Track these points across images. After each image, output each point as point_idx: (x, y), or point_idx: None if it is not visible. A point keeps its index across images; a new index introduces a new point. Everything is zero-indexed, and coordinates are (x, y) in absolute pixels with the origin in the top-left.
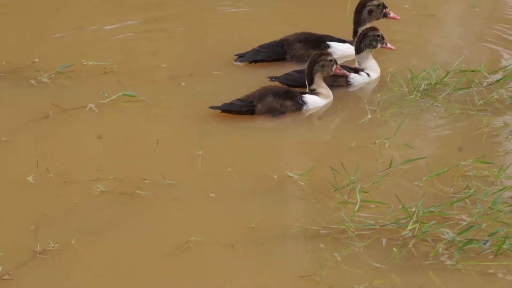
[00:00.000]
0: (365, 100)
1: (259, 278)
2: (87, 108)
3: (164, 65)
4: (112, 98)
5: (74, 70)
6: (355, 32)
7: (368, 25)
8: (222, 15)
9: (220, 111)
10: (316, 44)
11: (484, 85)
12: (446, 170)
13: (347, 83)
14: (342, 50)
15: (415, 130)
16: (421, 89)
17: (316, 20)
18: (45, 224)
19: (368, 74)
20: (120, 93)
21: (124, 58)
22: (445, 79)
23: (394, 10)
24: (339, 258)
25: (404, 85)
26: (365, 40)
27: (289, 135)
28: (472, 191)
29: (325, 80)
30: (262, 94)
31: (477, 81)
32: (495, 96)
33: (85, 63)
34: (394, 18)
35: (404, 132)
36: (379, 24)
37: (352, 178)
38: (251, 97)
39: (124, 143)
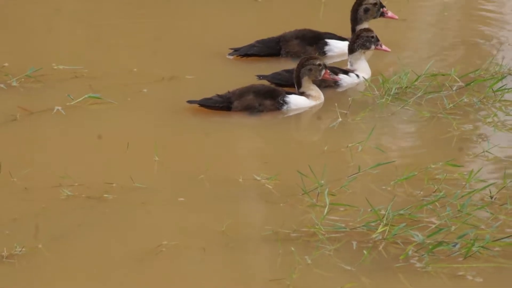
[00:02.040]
0: (336, 104)
1: (230, 282)
2: (54, 111)
3: (135, 69)
4: (78, 100)
5: (45, 74)
6: (353, 30)
7: (365, 24)
8: (199, 18)
9: (198, 105)
10: (314, 41)
11: (454, 88)
12: (414, 173)
13: (336, 84)
14: (340, 48)
15: (386, 134)
16: (392, 93)
17: (289, 23)
18: (12, 228)
19: (357, 75)
20: (86, 95)
21: (95, 62)
22: (416, 83)
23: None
24: (309, 261)
25: (375, 89)
26: (358, 41)
27: (261, 137)
28: (441, 194)
29: (314, 81)
30: (243, 91)
31: (447, 85)
32: (465, 100)
33: (55, 67)
34: (392, 18)
35: (375, 136)
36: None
37: (321, 181)
38: (231, 93)
39: (91, 146)
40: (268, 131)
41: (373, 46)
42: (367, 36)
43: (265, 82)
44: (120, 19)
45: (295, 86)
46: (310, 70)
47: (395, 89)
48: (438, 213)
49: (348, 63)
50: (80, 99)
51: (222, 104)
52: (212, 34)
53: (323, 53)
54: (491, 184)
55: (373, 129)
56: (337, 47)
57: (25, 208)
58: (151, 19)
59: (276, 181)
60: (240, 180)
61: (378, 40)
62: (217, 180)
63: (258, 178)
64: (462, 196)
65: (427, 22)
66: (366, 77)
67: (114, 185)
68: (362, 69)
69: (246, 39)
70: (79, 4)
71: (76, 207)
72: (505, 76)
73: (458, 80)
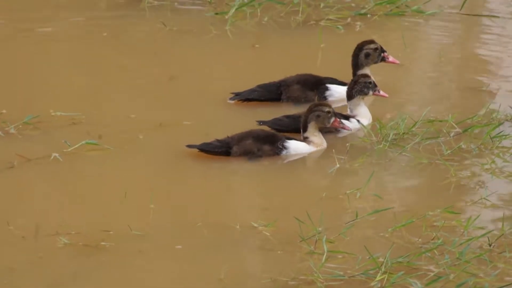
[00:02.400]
0: (333, 150)
1: None
2: (51, 158)
3: (133, 116)
4: (74, 147)
5: (42, 121)
6: (354, 75)
7: (367, 69)
8: (196, 64)
9: (197, 150)
10: (315, 86)
11: (451, 135)
12: (412, 220)
13: (337, 130)
14: (340, 93)
15: (384, 180)
16: (389, 138)
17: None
18: (10, 278)
19: (358, 121)
20: (83, 142)
21: (93, 108)
22: (413, 129)
23: None
24: None
25: (373, 135)
26: (356, 87)
27: (259, 183)
28: (440, 241)
29: (321, 128)
30: (242, 136)
31: (444, 131)
32: (463, 146)
33: (53, 113)
34: (393, 63)
35: (372, 182)
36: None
37: (318, 228)
38: (230, 138)
39: (88, 193)
40: (266, 177)
41: (371, 92)
42: (365, 82)
43: (266, 128)
44: (118, 65)
45: (301, 131)
46: (318, 116)
47: (392, 135)
48: (436, 261)
49: (348, 109)
50: (77, 145)
51: (221, 149)
52: (211, 79)
53: (324, 98)
54: (489, 232)
55: (371, 175)
56: (338, 92)
57: (23, 257)
58: (149, 66)
59: (274, 228)
60: (238, 227)
61: (375, 86)
62: (215, 227)
63: (256, 225)
64: (461, 244)
65: (424, 67)
66: (367, 122)
67: (111, 232)
68: (362, 114)
69: (247, 84)
70: (77, 50)
71: (73, 256)
72: (503, 123)
73: (456, 126)
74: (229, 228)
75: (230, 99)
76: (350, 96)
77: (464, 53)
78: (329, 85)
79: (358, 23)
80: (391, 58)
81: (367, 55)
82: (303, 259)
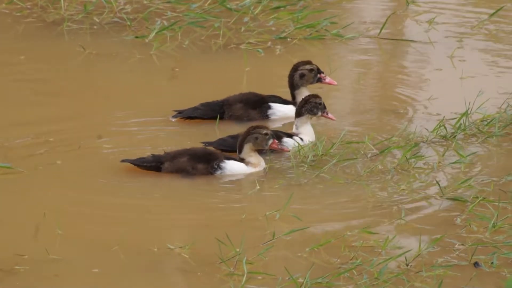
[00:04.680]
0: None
1: None
2: None
3: (51, 139)
4: None
5: None
6: (292, 95)
7: (303, 89)
8: (117, 87)
9: (131, 164)
10: (257, 104)
11: (369, 156)
12: (330, 240)
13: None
14: (283, 112)
15: (303, 201)
16: (308, 160)
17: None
18: None
19: (301, 139)
20: None
21: (9, 131)
22: (331, 151)
23: (284, 78)
24: None
25: (292, 156)
26: (306, 106)
27: (177, 204)
28: (358, 261)
29: (259, 150)
30: (178, 153)
31: (362, 152)
32: (379, 167)
33: None
34: (330, 84)
35: (291, 203)
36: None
37: (237, 249)
38: (165, 154)
39: (0, 217)
40: (187, 198)
41: (319, 113)
42: (315, 103)
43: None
44: (37, 89)
45: (237, 152)
46: (256, 138)
47: (311, 157)
48: (355, 281)
49: (294, 126)
50: None
51: (150, 164)
52: (126, 102)
53: (266, 117)
54: (406, 252)
55: (291, 197)
56: (280, 111)
57: None
58: (70, 89)
59: (193, 250)
60: (156, 249)
61: (325, 108)
62: (132, 250)
63: (172, 247)
64: (379, 264)
65: (343, 89)
66: (310, 140)
67: (25, 257)
68: (307, 132)
69: (166, 108)
70: None
71: None
72: (419, 144)
73: (373, 147)
74: (146, 251)
75: (173, 117)
76: (299, 113)
77: (382, 76)
78: (271, 104)
79: (278, 46)
80: (328, 79)
81: (302, 76)
82: (223, 280)
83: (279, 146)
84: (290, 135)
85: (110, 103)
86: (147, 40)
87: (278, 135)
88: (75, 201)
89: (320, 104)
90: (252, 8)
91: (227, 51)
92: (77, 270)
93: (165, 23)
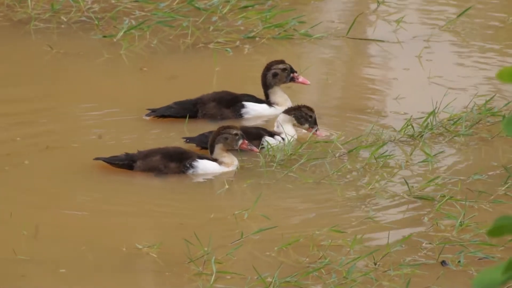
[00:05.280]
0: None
1: None
2: None
3: (18, 139)
4: None
5: None
6: (266, 95)
7: (276, 89)
8: (83, 86)
9: (104, 162)
10: (231, 103)
11: (337, 155)
12: (299, 239)
13: (259, 147)
14: (256, 110)
15: (272, 200)
16: (277, 159)
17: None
18: None
19: (283, 138)
20: None
21: None
22: (300, 150)
23: (256, 80)
24: None
25: (261, 156)
26: (296, 113)
27: (145, 203)
28: (327, 260)
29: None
30: (151, 152)
31: (330, 151)
32: (348, 166)
33: None
34: (303, 83)
35: (260, 202)
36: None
37: (206, 249)
38: (138, 152)
39: None
40: (156, 197)
41: (306, 125)
42: (306, 114)
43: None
44: (3, 90)
45: (209, 152)
46: (226, 138)
47: (280, 156)
48: (324, 280)
49: (276, 123)
50: None
51: (123, 162)
52: (92, 102)
53: (240, 116)
54: (375, 251)
55: (259, 196)
56: (254, 110)
57: None
58: (38, 81)
59: (161, 249)
60: (124, 249)
61: (315, 124)
62: (100, 250)
63: (140, 247)
64: (347, 263)
65: (310, 89)
66: (292, 139)
67: None
68: (288, 132)
69: (133, 108)
70: None
71: None
72: (386, 143)
73: (341, 147)
74: (115, 251)
75: (146, 115)
76: (287, 113)
77: (350, 75)
78: (245, 103)
79: (247, 46)
80: (301, 79)
81: (275, 75)
82: (192, 280)
83: (249, 147)
84: (271, 134)
85: (78, 103)
86: (115, 40)
87: (260, 134)
88: (42, 201)
89: (311, 117)
90: (220, 7)
91: (195, 51)
92: (44, 270)
93: (133, 22)
